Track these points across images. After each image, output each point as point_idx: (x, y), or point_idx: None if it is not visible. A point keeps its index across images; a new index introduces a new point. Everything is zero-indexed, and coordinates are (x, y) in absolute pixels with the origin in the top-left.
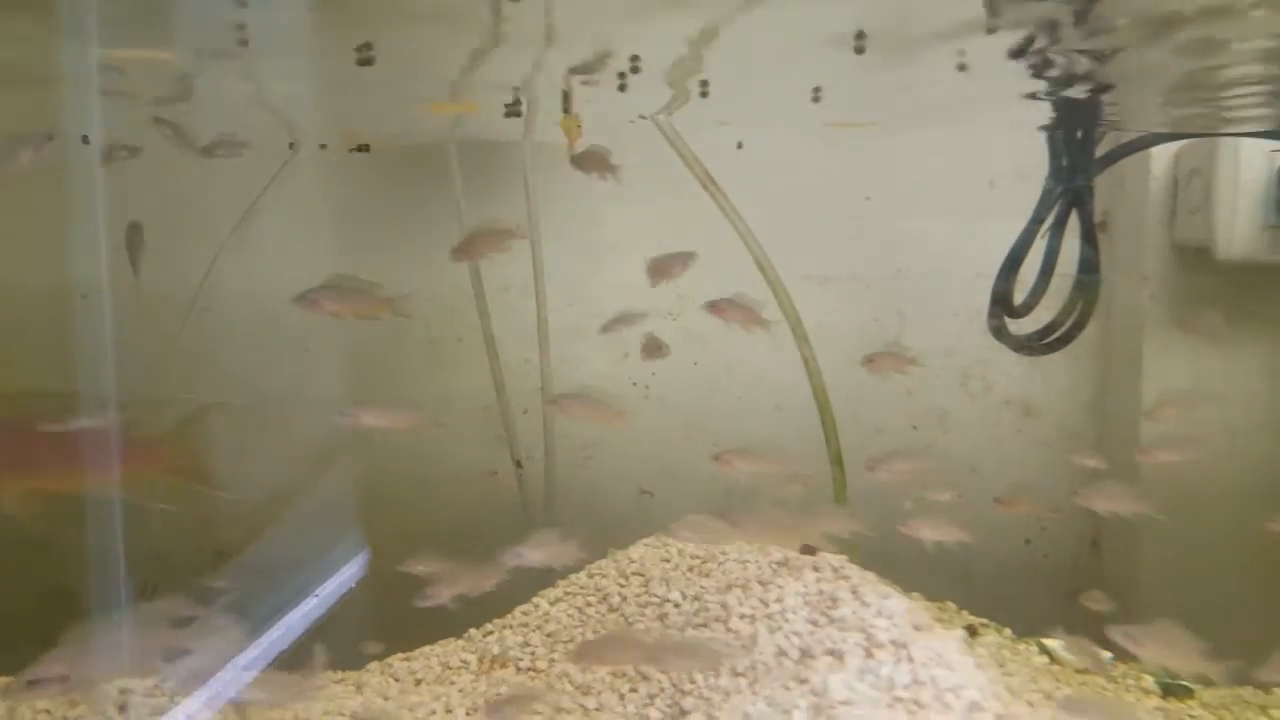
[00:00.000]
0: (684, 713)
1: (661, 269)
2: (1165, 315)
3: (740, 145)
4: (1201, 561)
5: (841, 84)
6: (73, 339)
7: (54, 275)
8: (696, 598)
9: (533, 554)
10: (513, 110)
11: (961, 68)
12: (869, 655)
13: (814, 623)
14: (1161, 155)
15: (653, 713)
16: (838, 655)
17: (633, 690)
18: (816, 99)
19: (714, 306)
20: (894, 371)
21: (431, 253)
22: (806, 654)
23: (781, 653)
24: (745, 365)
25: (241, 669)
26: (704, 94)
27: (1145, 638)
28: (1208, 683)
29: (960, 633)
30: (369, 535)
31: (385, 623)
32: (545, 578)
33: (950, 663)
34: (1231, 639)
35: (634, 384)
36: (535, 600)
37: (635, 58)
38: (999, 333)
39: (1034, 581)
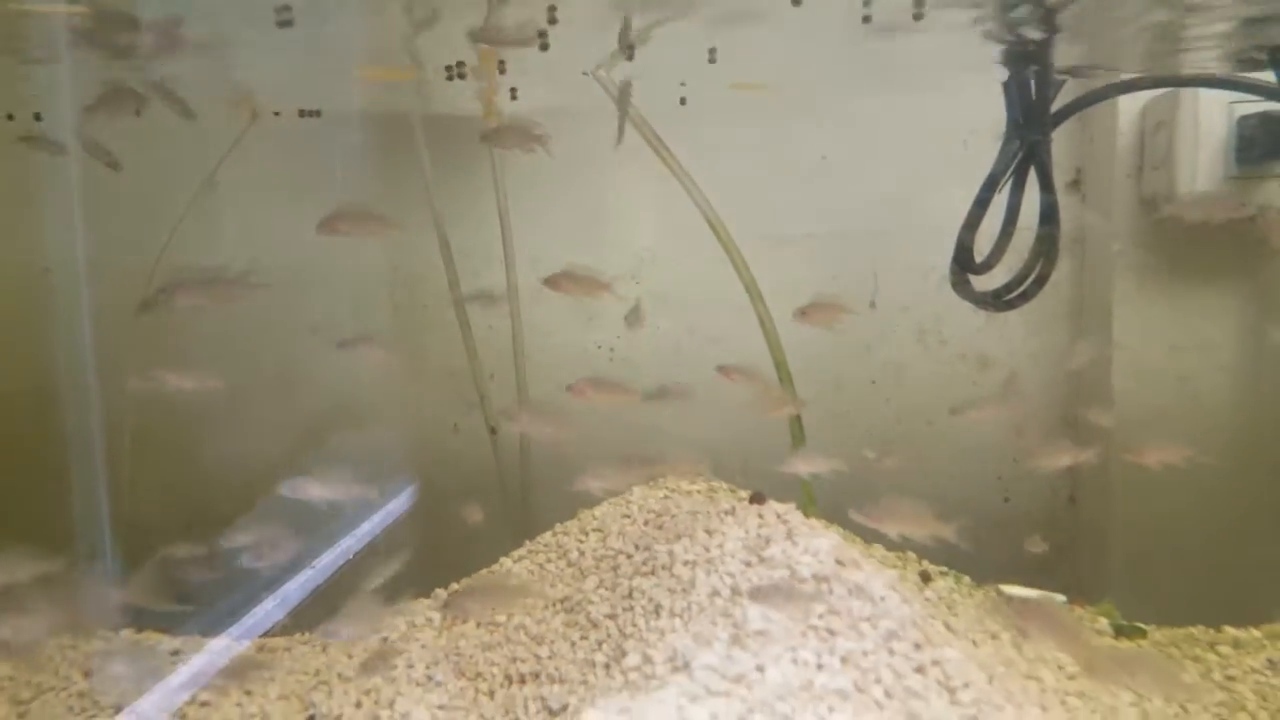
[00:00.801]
0: (624, 654)
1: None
2: (1135, 269)
3: (683, 101)
4: (1175, 508)
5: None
6: (45, 314)
7: (21, 251)
8: (647, 548)
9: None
10: (456, 74)
11: (918, 17)
12: (792, 589)
13: (747, 564)
14: (1129, 110)
15: (598, 657)
16: (760, 592)
17: (583, 638)
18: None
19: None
20: (826, 323)
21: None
22: (736, 592)
23: (715, 592)
24: (707, 326)
25: (233, 640)
26: (629, 57)
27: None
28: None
29: (892, 573)
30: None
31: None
32: (514, 539)
33: (871, 595)
34: (1204, 586)
35: (598, 347)
36: (501, 560)
37: (553, 7)
38: (961, 289)
39: (1014, 538)
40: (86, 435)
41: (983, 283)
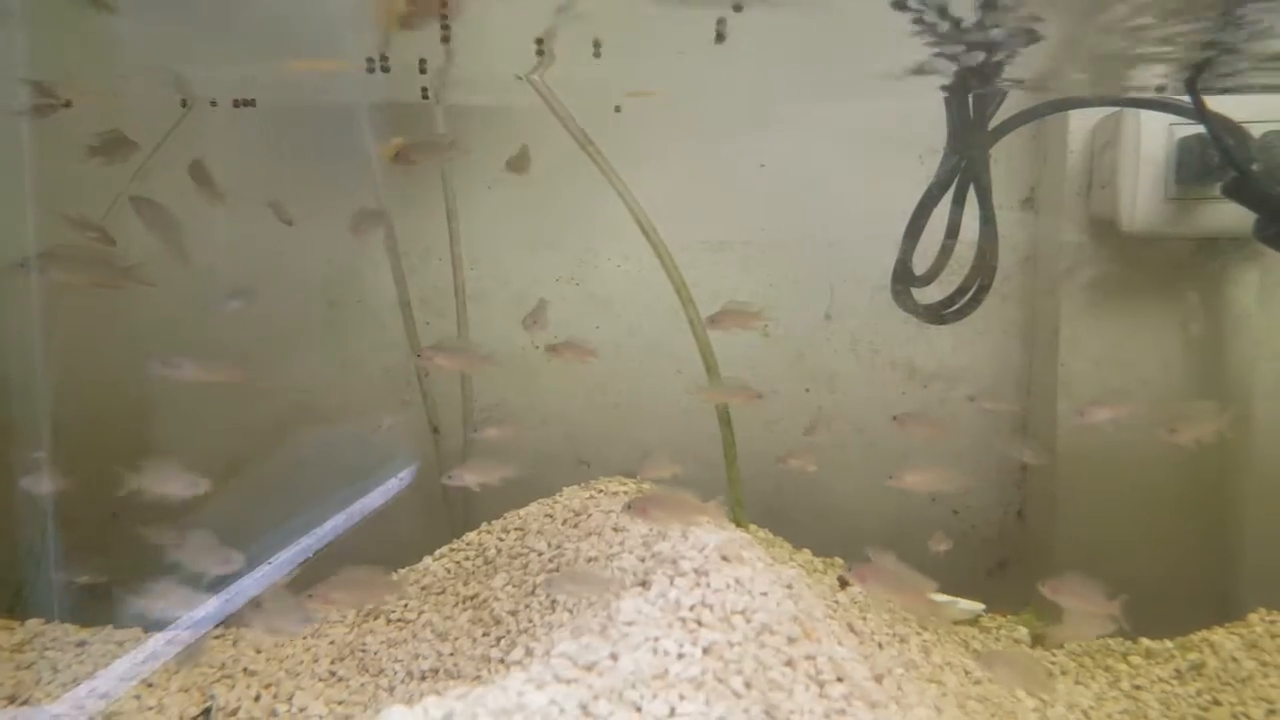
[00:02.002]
0: (514, 646)
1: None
2: (1080, 289)
3: (618, 109)
4: (1115, 525)
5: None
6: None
7: None
8: (558, 546)
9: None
10: (380, 67)
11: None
12: (671, 583)
13: (641, 559)
14: (1080, 129)
15: (494, 652)
16: (646, 584)
17: (484, 634)
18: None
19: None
20: (739, 329)
21: (332, 216)
22: (623, 587)
23: (605, 588)
24: (646, 330)
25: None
26: (596, 55)
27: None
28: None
29: (791, 572)
30: (283, 500)
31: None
32: (441, 537)
33: (750, 589)
34: (1145, 599)
35: (537, 348)
36: (425, 559)
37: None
38: (901, 300)
39: (962, 552)
40: (34, 424)
41: (924, 296)
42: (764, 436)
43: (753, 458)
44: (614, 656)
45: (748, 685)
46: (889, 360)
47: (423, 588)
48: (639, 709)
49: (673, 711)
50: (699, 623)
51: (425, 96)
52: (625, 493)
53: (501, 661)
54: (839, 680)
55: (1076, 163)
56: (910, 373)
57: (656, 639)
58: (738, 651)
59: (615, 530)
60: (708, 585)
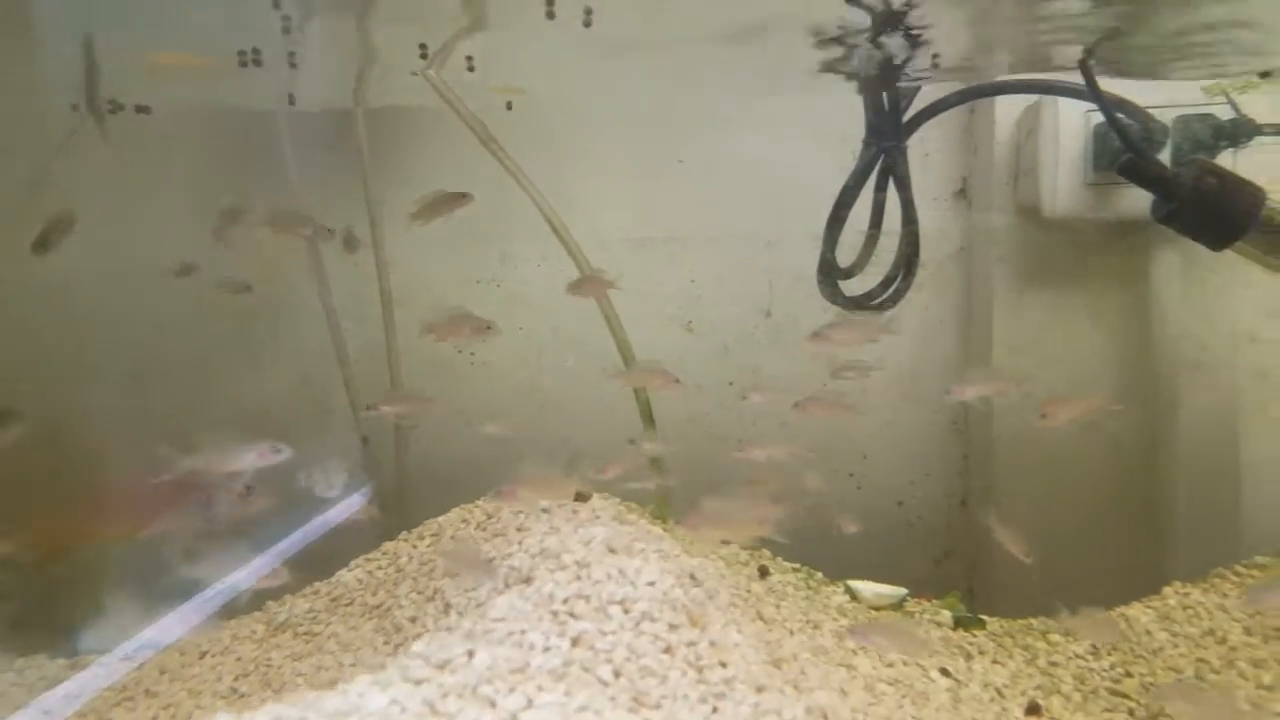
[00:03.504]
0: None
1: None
2: (1011, 277)
3: (509, 107)
4: (1049, 511)
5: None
6: None
7: None
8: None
9: None
10: (251, 60)
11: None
12: (550, 576)
13: (531, 555)
14: (1006, 120)
15: (390, 660)
16: (529, 581)
17: (385, 643)
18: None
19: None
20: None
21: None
22: (506, 584)
23: (494, 589)
24: (569, 329)
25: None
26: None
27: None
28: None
29: (691, 562)
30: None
31: None
32: (360, 546)
33: (635, 580)
34: (1058, 582)
35: (459, 351)
36: (339, 572)
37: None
38: (830, 294)
39: (907, 543)
40: None
41: (850, 288)
42: (690, 432)
43: (680, 453)
44: (470, 653)
45: (616, 674)
46: (815, 354)
47: (332, 599)
48: (493, 704)
49: (529, 703)
50: (571, 614)
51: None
52: None
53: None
54: (722, 665)
55: (1003, 153)
56: (831, 364)
57: (522, 631)
58: (610, 640)
59: (519, 530)
60: (588, 577)
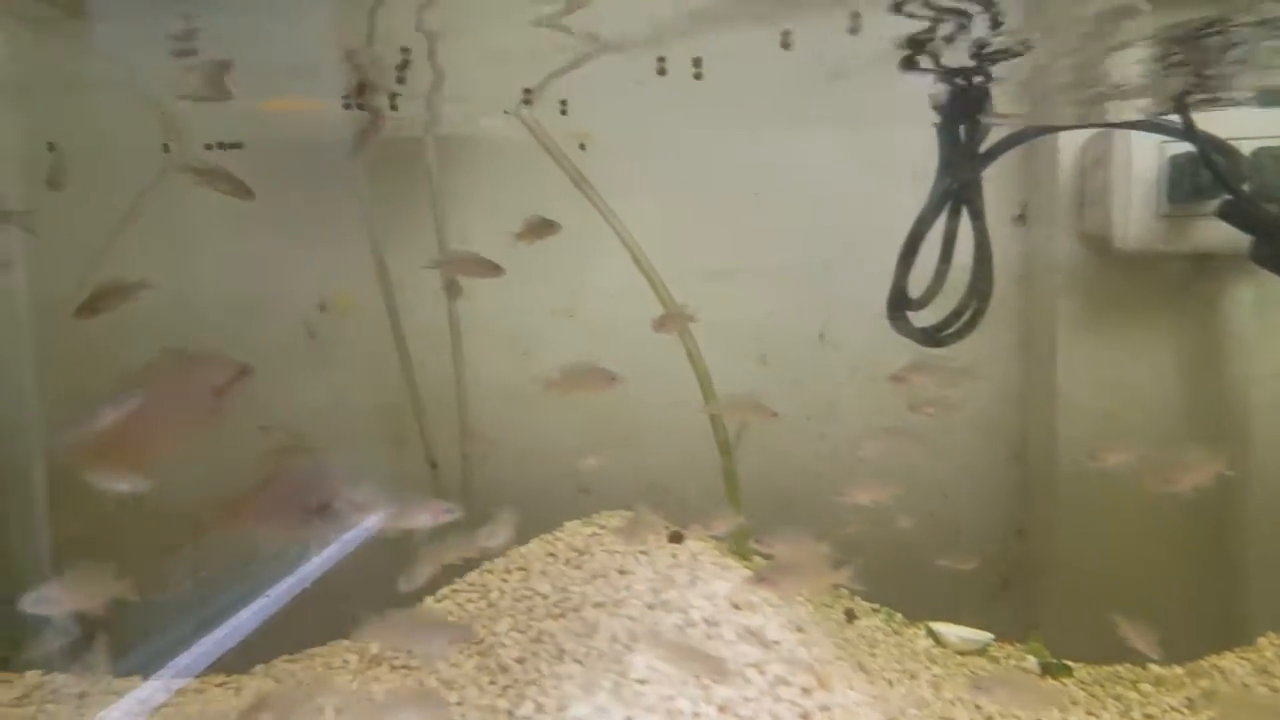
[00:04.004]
0: (523, 699)
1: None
2: (1076, 306)
3: (583, 148)
4: (1116, 546)
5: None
6: None
7: None
8: (563, 589)
9: None
10: (355, 105)
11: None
12: (681, 634)
13: (649, 606)
14: (1071, 147)
15: (502, 703)
16: (654, 638)
17: (491, 683)
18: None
19: None
20: (676, 332)
21: (323, 252)
22: (633, 637)
23: (614, 638)
24: (642, 360)
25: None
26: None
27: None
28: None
29: (801, 612)
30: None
31: (279, 626)
32: (444, 576)
33: (764, 639)
34: (1139, 617)
35: (532, 382)
36: (426, 599)
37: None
38: (897, 325)
39: (963, 573)
40: (21, 467)
41: (920, 319)
42: (766, 464)
43: (754, 487)
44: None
45: None
46: (890, 388)
47: None
48: None
49: None
50: (713, 676)
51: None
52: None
53: (510, 715)
54: None
55: (1067, 180)
56: (910, 401)
57: (671, 698)
58: (753, 708)
59: (621, 573)
60: (719, 637)
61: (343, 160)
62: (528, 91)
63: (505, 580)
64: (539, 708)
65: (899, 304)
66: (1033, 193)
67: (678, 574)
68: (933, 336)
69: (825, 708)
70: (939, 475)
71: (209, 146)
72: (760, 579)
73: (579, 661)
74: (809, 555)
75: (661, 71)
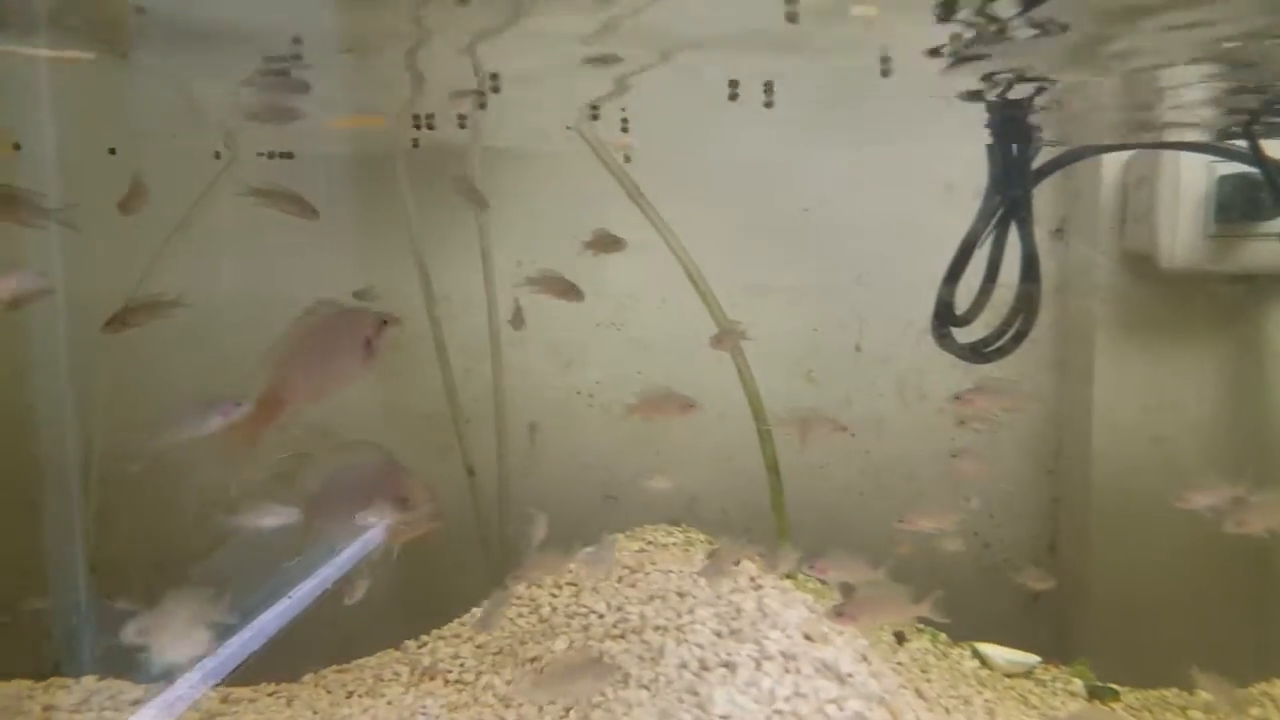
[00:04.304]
0: None
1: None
2: (1115, 323)
3: (627, 159)
4: (1151, 564)
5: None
6: (26, 335)
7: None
8: (619, 609)
9: None
10: (425, 124)
11: (886, 74)
12: (758, 667)
13: (717, 634)
14: (1113, 163)
15: None
16: (731, 667)
17: (551, 702)
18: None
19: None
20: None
21: (371, 259)
22: (704, 666)
23: (683, 665)
24: (689, 374)
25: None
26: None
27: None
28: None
29: (862, 643)
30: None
31: (326, 635)
32: (490, 588)
33: (839, 674)
34: (1178, 639)
35: (578, 392)
36: (473, 610)
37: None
38: (943, 341)
39: (995, 586)
40: (63, 468)
41: (963, 335)
42: (811, 480)
43: (798, 505)
44: None
45: None
46: (937, 405)
47: (477, 645)
48: None
49: None
50: (796, 715)
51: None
52: (675, 544)
53: None
54: None
55: (1109, 197)
56: (959, 418)
57: None
58: None
59: (680, 595)
60: (798, 671)
61: (388, 171)
62: (594, 107)
63: (555, 595)
64: None
65: (945, 320)
66: (1071, 208)
67: (744, 602)
68: (978, 352)
69: None
70: (948, 487)
71: (260, 155)
72: (840, 613)
73: (645, 687)
74: (888, 587)
75: (733, 97)
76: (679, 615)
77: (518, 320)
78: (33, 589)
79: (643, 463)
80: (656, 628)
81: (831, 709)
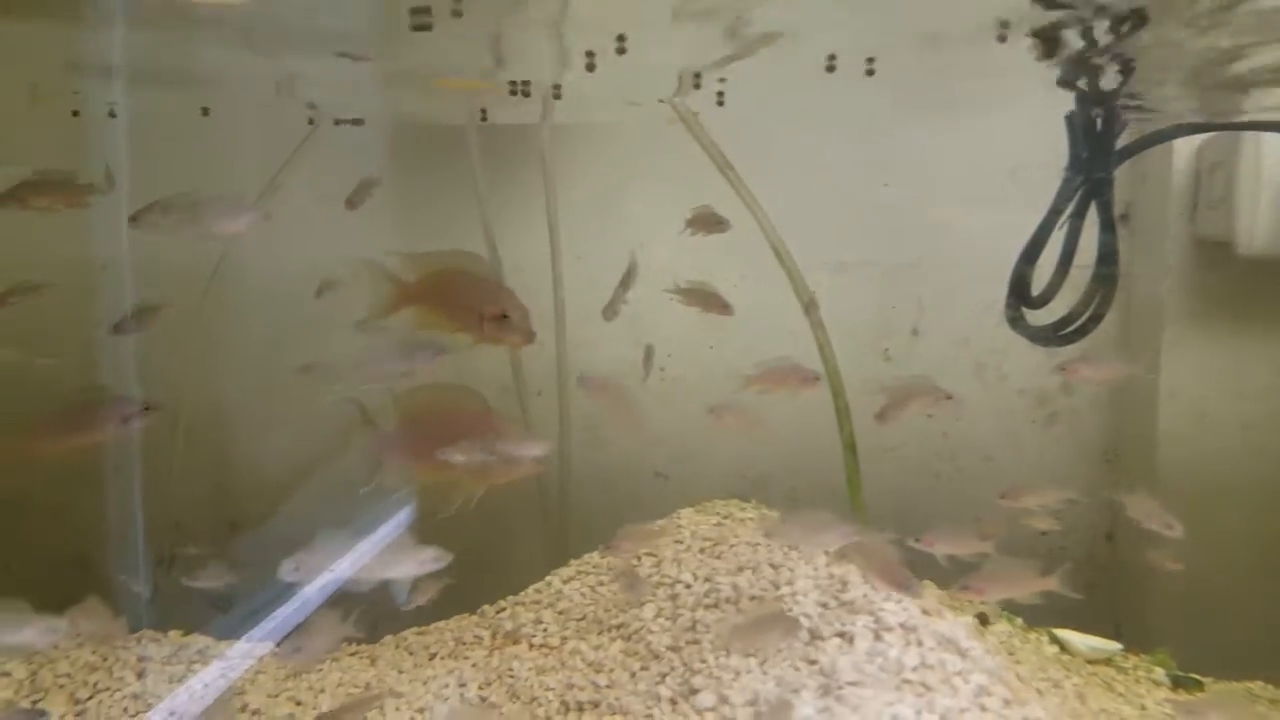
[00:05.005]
0: (694, 691)
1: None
2: (1184, 309)
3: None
4: (1214, 554)
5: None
6: (94, 311)
7: (76, 248)
8: (708, 579)
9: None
10: (521, 91)
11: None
12: (878, 638)
13: (824, 605)
14: (1184, 147)
15: (663, 690)
16: (847, 637)
17: (643, 668)
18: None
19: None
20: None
21: (444, 232)
22: (816, 635)
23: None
24: (761, 350)
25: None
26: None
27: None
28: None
29: (969, 619)
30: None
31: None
32: (552, 557)
33: (960, 648)
34: (1242, 630)
35: (660, 368)
36: (549, 578)
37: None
38: (1015, 323)
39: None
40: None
41: (1036, 317)
42: (886, 463)
43: (871, 487)
44: None
45: None
46: (1018, 387)
47: (559, 612)
48: None
49: None
50: (925, 685)
51: None
52: (751, 519)
53: (674, 703)
54: None
55: (1180, 182)
56: (1041, 399)
57: (891, 704)
58: (968, 718)
59: (773, 567)
60: (919, 643)
61: (458, 142)
62: (697, 75)
63: (635, 565)
64: (723, 699)
65: (1020, 300)
66: (1137, 193)
67: (849, 574)
68: (1056, 334)
69: None
70: (1025, 469)
71: (338, 122)
72: (967, 586)
73: (750, 655)
74: (1012, 562)
75: (830, 69)
76: (776, 587)
77: (613, 307)
78: (111, 547)
79: (711, 440)
80: (753, 598)
81: (959, 681)
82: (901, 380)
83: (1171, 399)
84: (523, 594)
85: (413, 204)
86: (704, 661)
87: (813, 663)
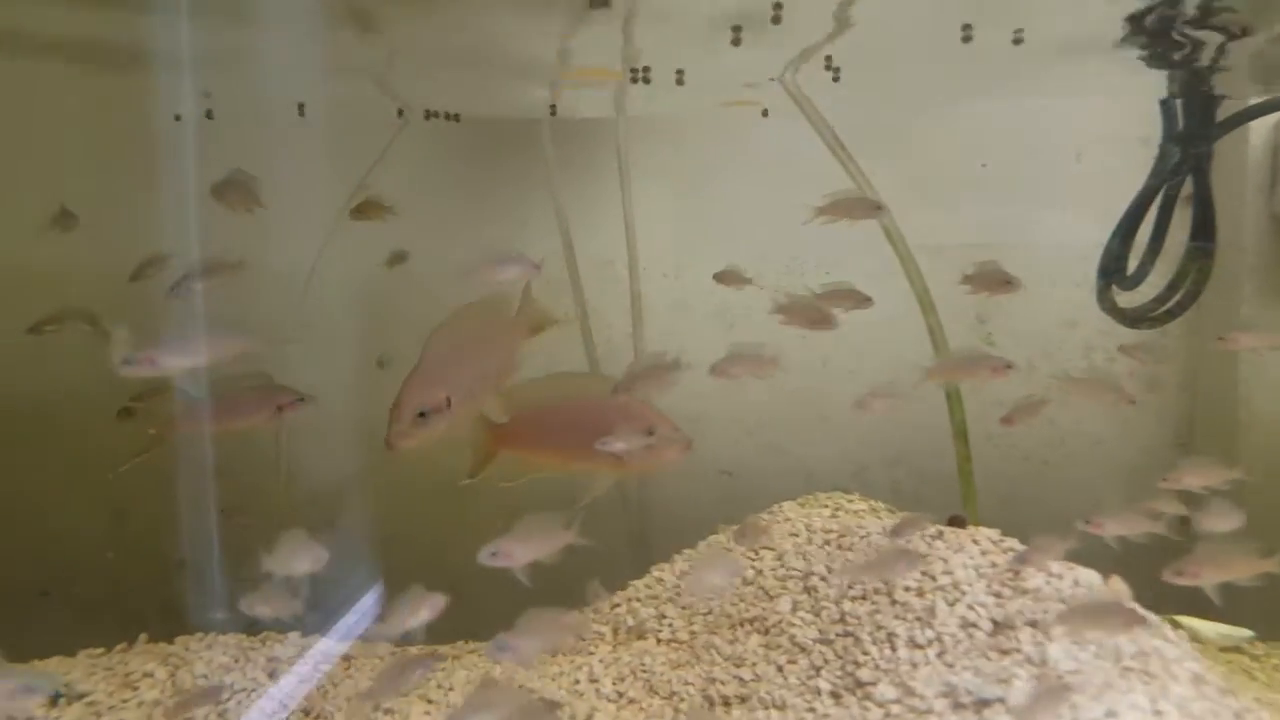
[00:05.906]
0: (860, 684)
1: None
2: (1262, 286)
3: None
4: None
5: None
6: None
7: (145, 248)
8: (845, 571)
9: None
10: (642, 78)
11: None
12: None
13: (998, 595)
14: (1260, 125)
15: (821, 684)
16: (1039, 626)
17: (791, 662)
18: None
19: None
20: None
21: (519, 227)
22: (1001, 625)
23: (968, 624)
24: (855, 338)
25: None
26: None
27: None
28: None
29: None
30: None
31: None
32: (654, 551)
33: (1165, 634)
34: None
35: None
36: (656, 574)
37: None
38: (1103, 301)
39: (1130, 557)
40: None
41: (1125, 299)
42: (993, 449)
43: (976, 474)
44: (1112, 714)
45: None
46: (1127, 370)
47: (682, 606)
48: None
49: None
50: (1147, 673)
51: None
52: (861, 512)
53: (838, 696)
54: None
55: (1258, 158)
56: (1150, 384)
57: (1125, 694)
58: (1200, 709)
59: (920, 557)
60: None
61: (534, 135)
62: (806, 52)
63: (755, 559)
64: (908, 690)
65: (1112, 276)
66: (1214, 169)
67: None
68: (1140, 316)
69: (1249, 711)
70: (1136, 451)
71: (428, 116)
72: (1180, 571)
73: (923, 647)
74: (1227, 543)
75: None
76: (934, 578)
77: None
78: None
79: (809, 431)
80: (907, 589)
81: (1176, 669)
82: (959, 351)
83: (1249, 379)
84: (631, 589)
85: (484, 198)
86: (866, 654)
87: (1007, 653)
